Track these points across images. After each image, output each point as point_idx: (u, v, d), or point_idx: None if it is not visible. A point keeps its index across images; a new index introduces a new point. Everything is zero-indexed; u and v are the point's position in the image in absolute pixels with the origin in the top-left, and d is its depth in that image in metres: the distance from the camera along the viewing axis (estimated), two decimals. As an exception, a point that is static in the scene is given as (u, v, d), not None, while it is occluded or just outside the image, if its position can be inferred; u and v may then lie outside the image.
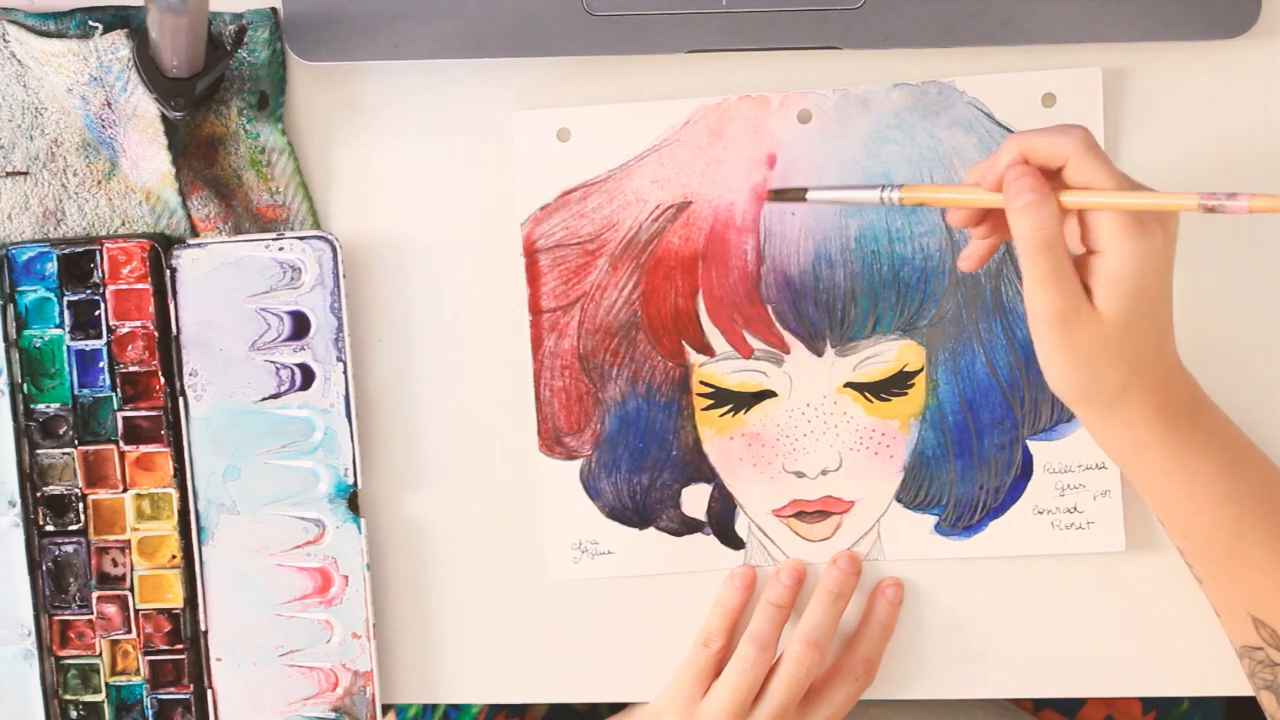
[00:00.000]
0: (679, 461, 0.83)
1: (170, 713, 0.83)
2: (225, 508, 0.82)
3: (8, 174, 0.82)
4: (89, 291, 0.81)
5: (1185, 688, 0.84)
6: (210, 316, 0.81)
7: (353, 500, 0.82)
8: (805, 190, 0.79)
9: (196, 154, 0.82)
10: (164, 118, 0.80)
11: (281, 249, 0.81)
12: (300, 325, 0.81)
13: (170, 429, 0.82)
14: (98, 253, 0.81)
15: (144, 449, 0.82)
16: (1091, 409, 0.73)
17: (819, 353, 0.82)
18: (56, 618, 0.83)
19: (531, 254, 0.83)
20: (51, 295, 0.81)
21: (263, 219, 0.83)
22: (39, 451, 0.82)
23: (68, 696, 0.83)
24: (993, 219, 0.74)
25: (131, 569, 0.82)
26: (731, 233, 0.82)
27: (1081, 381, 0.71)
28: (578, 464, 0.84)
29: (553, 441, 0.84)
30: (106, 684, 0.83)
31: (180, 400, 0.82)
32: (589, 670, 0.85)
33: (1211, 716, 1.03)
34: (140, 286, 0.81)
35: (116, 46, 0.79)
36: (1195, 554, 0.76)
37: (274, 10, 0.81)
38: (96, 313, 0.81)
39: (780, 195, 0.81)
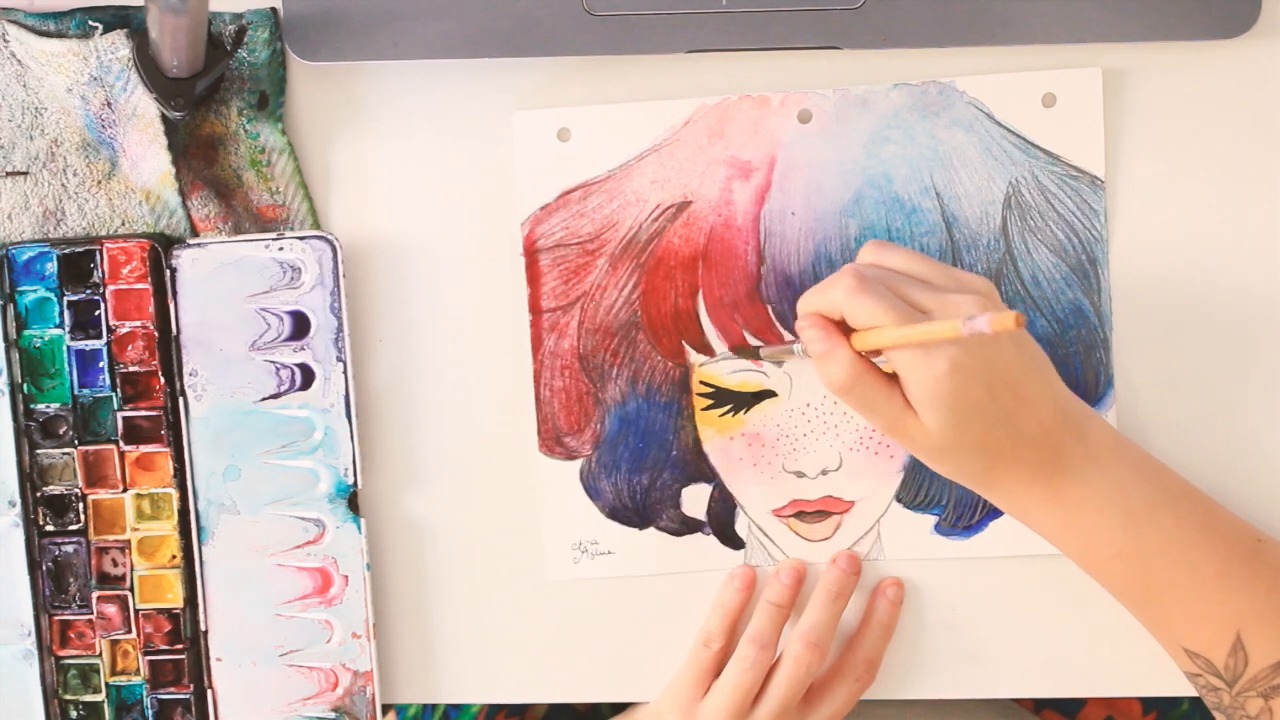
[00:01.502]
0: (679, 461, 0.83)
1: (170, 713, 0.83)
2: (225, 508, 0.82)
3: (8, 174, 0.82)
4: (89, 291, 0.81)
5: (1185, 688, 0.84)
6: (210, 316, 0.81)
7: (353, 500, 0.82)
8: (759, 349, 0.82)
9: (196, 154, 0.82)
10: (164, 118, 0.80)
11: (281, 249, 0.81)
12: (300, 325, 0.81)
13: (170, 429, 0.82)
14: (98, 253, 0.81)
15: (144, 449, 0.82)
16: (970, 486, 0.75)
17: (819, 353, 0.82)
18: (56, 618, 0.83)
19: (531, 254, 0.83)
20: (51, 295, 0.81)
21: (263, 219, 0.83)
22: (39, 451, 0.82)
23: (68, 696, 0.83)
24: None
25: (131, 569, 0.82)
26: (732, 232, 0.82)
27: (944, 470, 0.74)
28: (578, 464, 0.84)
29: (553, 441, 0.84)
30: (106, 684, 0.83)
31: (180, 400, 0.82)
32: (589, 670, 0.85)
33: (1211, 717, 1.03)
34: (140, 286, 0.81)
35: (116, 46, 0.79)
36: (1115, 594, 0.77)
37: (274, 10, 0.81)
38: (96, 313, 0.81)
39: (739, 352, 0.83)
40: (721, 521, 0.84)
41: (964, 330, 0.65)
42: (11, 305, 0.81)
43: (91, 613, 0.83)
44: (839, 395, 0.73)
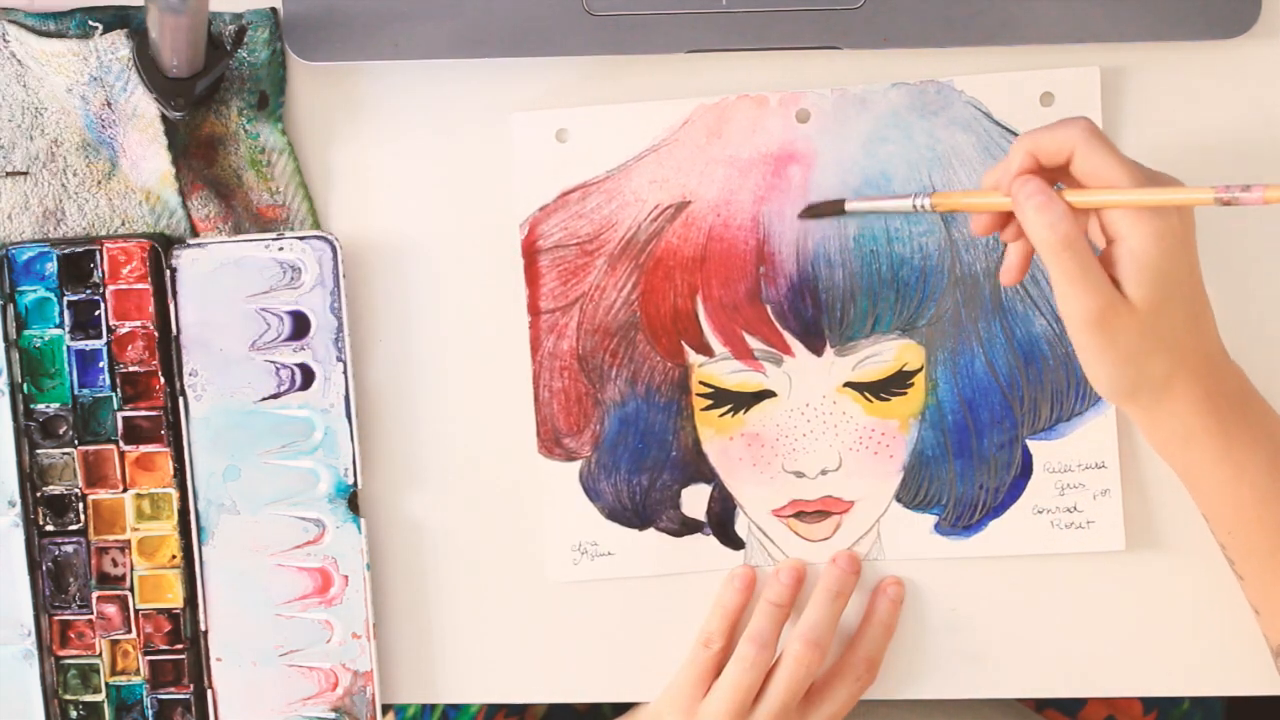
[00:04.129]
0: (679, 462, 0.83)
1: (170, 713, 0.83)
2: (225, 508, 0.82)
3: (8, 174, 0.82)
4: (89, 291, 0.81)
5: (1186, 687, 0.84)
6: (210, 316, 0.81)
7: (353, 500, 0.82)
8: (844, 202, 0.79)
9: (196, 154, 0.82)
10: (164, 118, 0.80)
11: (281, 249, 0.81)
12: (300, 325, 0.82)
13: (170, 429, 0.82)
14: (98, 253, 0.81)
15: (144, 449, 0.82)
16: (1139, 404, 0.73)
17: (818, 352, 0.82)
18: (56, 618, 0.83)
19: (530, 254, 0.83)
20: (51, 295, 0.81)
21: (263, 219, 0.83)
22: (39, 451, 0.82)
23: (68, 696, 0.83)
24: (1018, 223, 0.73)
25: (131, 569, 0.82)
26: (731, 232, 0.82)
27: (1126, 377, 0.72)
28: (577, 465, 0.84)
29: (552, 443, 0.84)
30: (106, 684, 0.83)
31: (180, 400, 0.82)
32: (589, 670, 0.85)
33: (1212, 716, 1.03)
34: (140, 286, 0.81)
35: (116, 46, 0.79)
36: (1239, 551, 0.76)
37: (274, 10, 0.81)
38: (96, 313, 0.81)
39: (817, 210, 0.81)
40: (721, 522, 0.84)
41: (1224, 196, 0.60)
42: (11, 305, 0.81)
43: (91, 613, 0.83)
44: (1055, 253, 0.69)
